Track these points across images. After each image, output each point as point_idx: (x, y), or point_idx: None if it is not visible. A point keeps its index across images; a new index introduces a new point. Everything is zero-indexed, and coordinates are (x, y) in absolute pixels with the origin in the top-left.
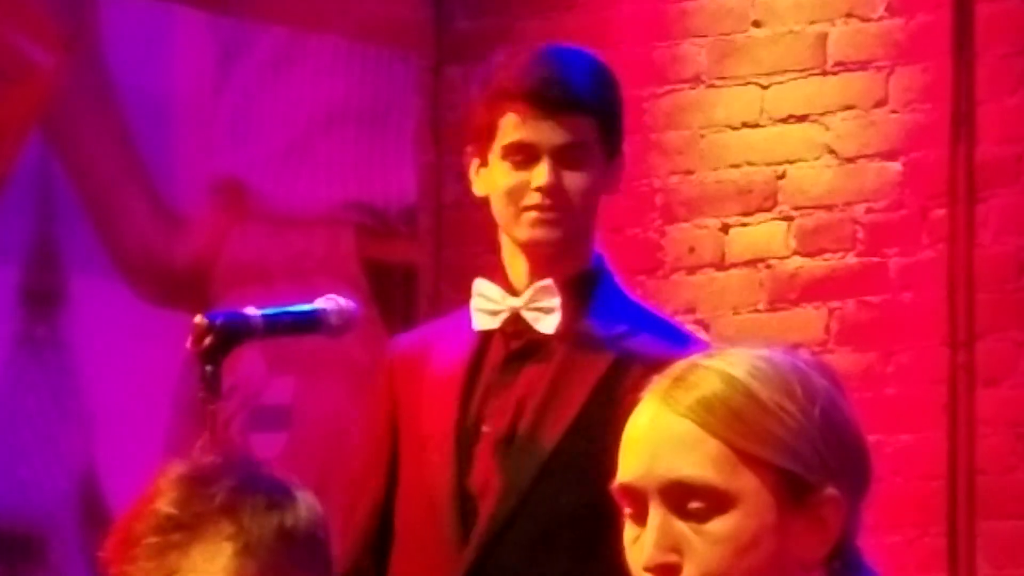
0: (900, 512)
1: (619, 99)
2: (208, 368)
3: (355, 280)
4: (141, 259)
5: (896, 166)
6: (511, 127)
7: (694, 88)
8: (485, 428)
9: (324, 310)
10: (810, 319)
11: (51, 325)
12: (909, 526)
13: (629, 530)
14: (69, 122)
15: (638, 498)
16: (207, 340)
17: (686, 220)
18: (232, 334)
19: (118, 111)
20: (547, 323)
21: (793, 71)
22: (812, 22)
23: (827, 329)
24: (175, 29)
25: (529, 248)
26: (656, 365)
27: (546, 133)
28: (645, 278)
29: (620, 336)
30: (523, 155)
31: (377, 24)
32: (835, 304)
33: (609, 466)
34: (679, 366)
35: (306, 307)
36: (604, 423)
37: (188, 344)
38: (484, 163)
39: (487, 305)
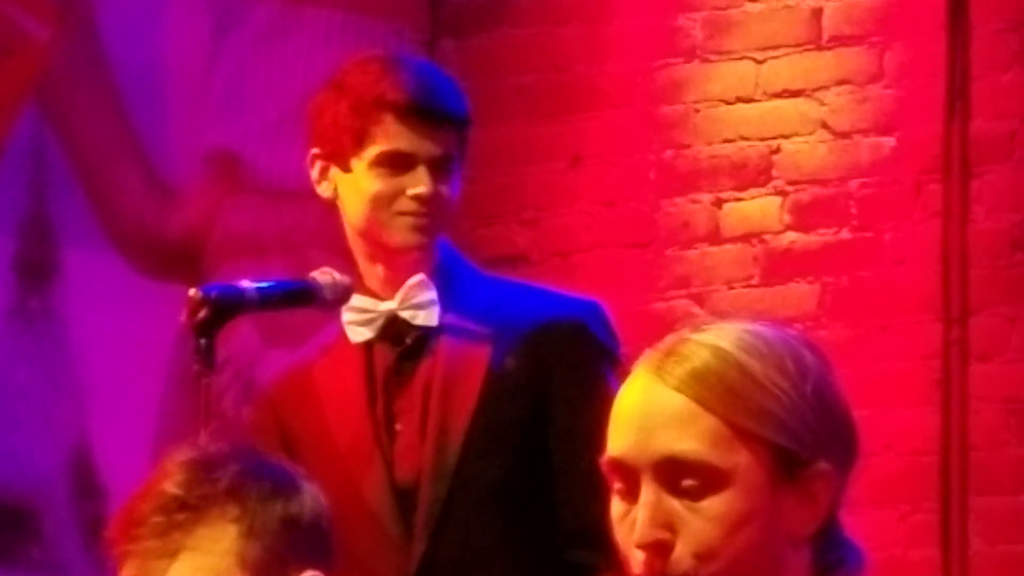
0: (892, 487)
1: (467, 106)
2: (202, 341)
3: (349, 253)
4: (134, 231)
5: (890, 141)
6: (388, 135)
7: (688, 62)
8: (398, 427)
9: (318, 283)
10: (804, 294)
11: (44, 297)
12: (901, 501)
13: (617, 506)
14: (63, 94)
15: (629, 473)
16: (201, 313)
17: (680, 195)
18: (226, 307)
19: (112, 83)
20: (427, 316)
21: (788, 46)
22: None
23: (821, 304)
24: (169, 1)
25: (399, 252)
26: (534, 328)
27: (424, 144)
28: (639, 252)
29: (491, 311)
30: (398, 163)
31: None
32: (829, 279)
33: (519, 439)
34: (669, 339)
35: (300, 280)
36: (504, 395)
37: (182, 317)
38: (344, 168)
39: (359, 317)
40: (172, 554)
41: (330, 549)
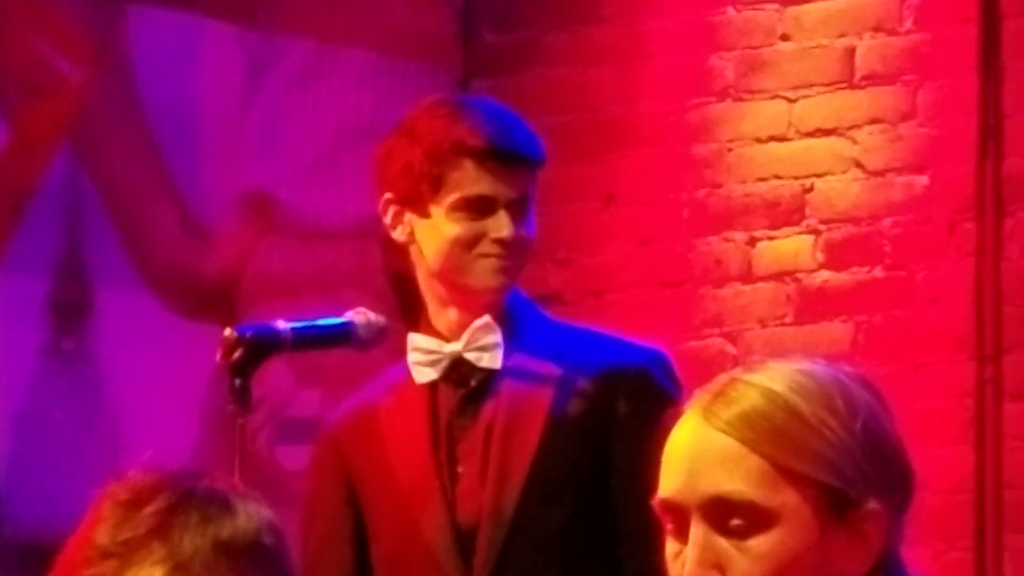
0: (927, 526)
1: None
2: (237, 381)
3: (382, 293)
4: (169, 272)
5: (923, 180)
6: (467, 180)
7: (722, 102)
8: (460, 469)
9: (353, 323)
10: (837, 333)
11: (78, 337)
12: (936, 540)
13: (670, 545)
14: (97, 135)
15: (679, 514)
16: (236, 353)
17: (713, 233)
18: (261, 347)
19: (146, 124)
20: (492, 359)
21: (821, 85)
22: (840, 36)
23: (854, 343)
24: (203, 42)
25: (480, 294)
26: (598, 374)
27: (504, 187)
28: (672, 291)
29: (555, 355)
30: (479, 207)
31: (404, 38)
32: (862, 317)
33: (580, 484)
34: (720, 380)
35: (335, 320)
36: (566, 441)
37: (217, 357)
38: (421, 214)
39: (424, 357)
40: None
41: (282, 561)
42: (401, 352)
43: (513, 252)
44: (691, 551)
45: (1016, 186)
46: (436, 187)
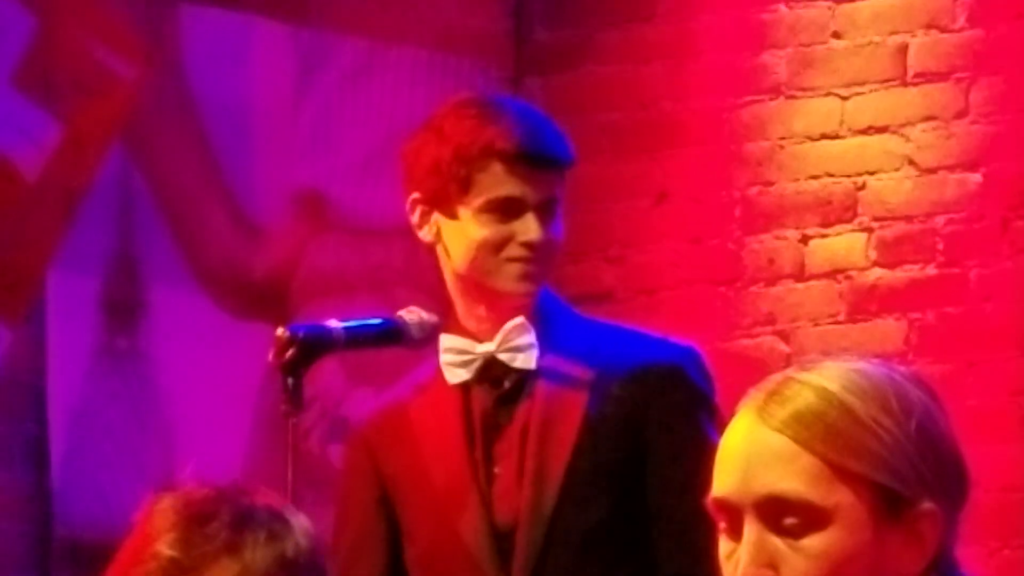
0: (979, 524)
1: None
2: (290, 380)
3: (434, 291)
4: (221, 270)
5: (976, 177)
6: (496, 182)
7: (773, 99)
8: (497, 470)
9: (405, 322)
10: (890, 330)
11: (131, 336)
12: (989, 538)
13: (723, 545)
14: (150, 134)
15: (733, 513)
16: (289, 352)
17: (765, 231)
18: (314, 346)
19: (198, 122)
20: (526, 359)
21: (873, 82)
22: (892, 33)
23: (907, 340)
24: (255, 41)
25: (506, 298)
26: (631, 373)
27: (532, 189)
28: (725, 289)
29: (589, 354)
30: (507, 210)
31: (457, 35)
32: (915, 315)
33: (617, 484)
34: (774, 379)
35: (387, 319)
36: (602, 440)
37: (270, 356)
38: (449, 214)
39: (457, 358)
40: None
41: None
42: None
43: (540, 255)
44: (745, 550)
45: None
46: (464, 188)
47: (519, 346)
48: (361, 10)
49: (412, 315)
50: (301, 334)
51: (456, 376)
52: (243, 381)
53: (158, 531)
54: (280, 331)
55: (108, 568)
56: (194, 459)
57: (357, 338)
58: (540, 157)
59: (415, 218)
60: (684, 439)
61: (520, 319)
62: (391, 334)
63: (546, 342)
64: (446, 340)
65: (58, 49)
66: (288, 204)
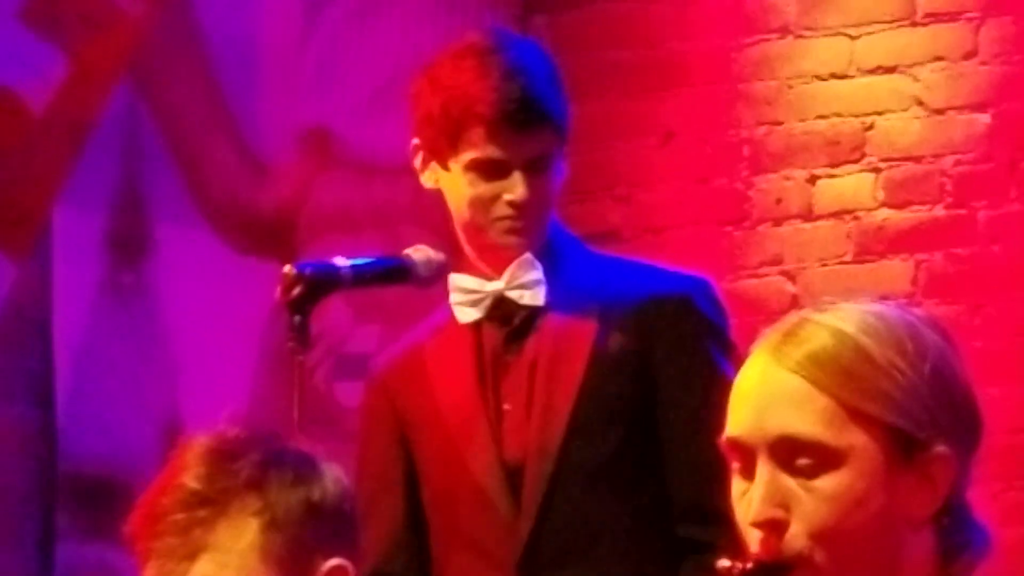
0: (985, 465)
1: (565, 91)
2: (297, 318)
3: (441, 229)
4: (227, 206)
5: (985, 118)
6: (479, 142)
7: (782, 38)
8: (506, 407)
9: (412, 260)
10: (897, 271)
11: (136, 272)
12: (994, 479)
13: (736, 484)
14: (156, 69)
15: (746, 453)
16: (296, 290)
17: (773, 171)
18: (321, 284)
19: (205, 58)
20: (534, 296)
21: (882, 22)
22: None
23: (914, 281)
24: None
25: (503, 250)
26: (640, 304)
27: (517, 149)
28: (732, 229)
29: (597, 288)
30: (491, 170)
31: None
32: (922, 256)
33: (625, 416)
34: (789, 319)
35: (394, 257)
36: (610, 373)
37: (277, 294)
38: (443, 166)
39: (466, 297)
40: (194, 553)
41: (355, 532)
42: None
43: (527, 213)
44: (757, 490)
45: None
46: (453, 143)
47: (526, 283)
48: None
49: (419, 253)
50: (308, 272)
51: (467, 315)
52: (249, 318)
53: (187, 465)
54: (287, 268)
55: (140, 500)
56: (199, 395)
57: (364, 276)
58: (523, 119)
59: (417, 163)
60: (693, 368)
61: (527, 255)
62: (398, 272)
63: (555, 278)
64: (456, 279)
65: None
66: (294, 141)
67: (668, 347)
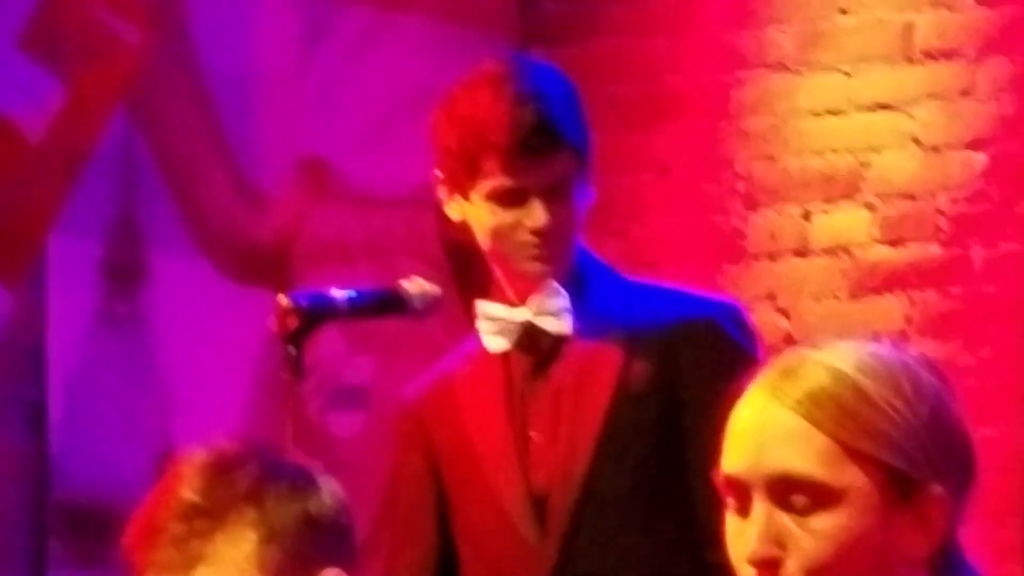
0: (977, 504)
1: (585, 114)
2: (292, 349)
3: (436, 261)
4: (223, 236)
5: (981, 157)
6: (495, 171)
7: (779, 74)
8: (533, 435)
9: (408, 292)
10: (891, 308)
11: (132, 301)
12: (986, 518)
13: (731, 522)
14: (154, 98)
15: (742, 490)
16: (291, 321)
17: (768, 207)
18: (316, 315)
19: (203, 88)
20: (560, 323)
21: (879, 59)
22: (899, 10)
23: (908, 319)
24: (261, 6)
25: (529, 277)
26: (666, 330)
27: (533, 175)
28: (726, 264)
29: (624, 314)
30: (511, 198)
31: (463, 5)
32: (916, 294)
33: (652, 444)
34: (786, 357)
35: (389, 289)
36: (635, 400)
37: (272, 324)
38: (464, 197)
39: (494, 325)
40: (191, 565)
41: (352, 546)
42: (454, 321)
43: (550, 239)
44: (754, 527)
45: None
46: (471, 174)
47: (553, 310)
48: None
49: (414, 285)
50: (303, 302)
51: (495, 344)
52: (243, 347)
53: (184, 478)
54: (282, 299)
55: (135, 513)
56: (193, 424)
57: (359, 307)
58: (537, 145)
59: (442, 195)
60: (719, 394)
61: (552, 283)
62: (393, 304)
63: (581, 304)
64: (484, 307)
65: (64, 12)
66: (291, 171)
67: (695, 372)
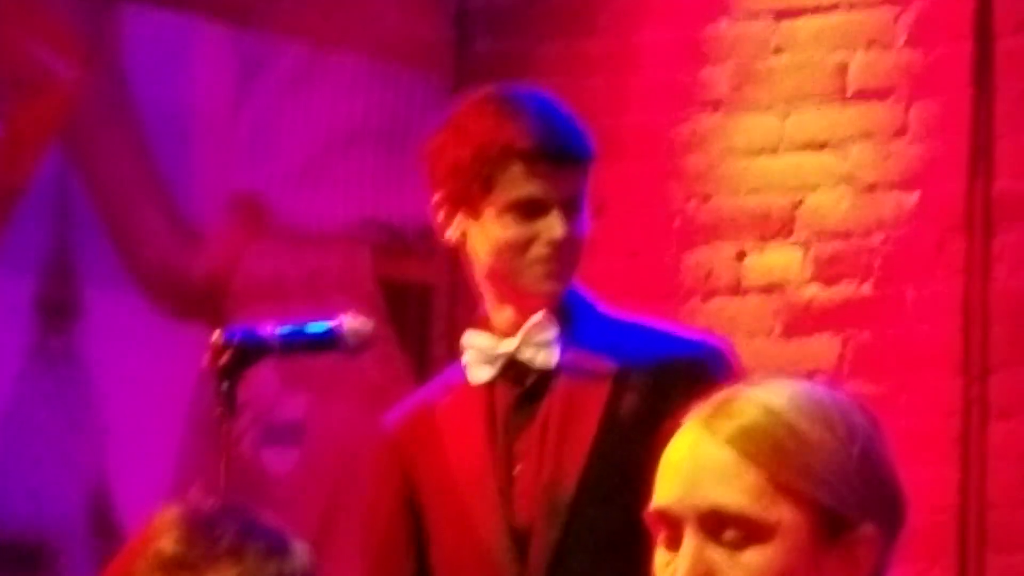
0: (910, 544)
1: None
2: (224, 385)
3: (371, 298)
4: (157, 272)
5: (913, 197)
6: (517, 182)
7: (713, 114)
8: (517, 469)
9: (341, 328)
10: (824, 348)
11: (65, 337)
12: (920, 558)
13: (661, 555)
14: (88, 134)
15: (673, 523)
16: (224, 357)
17: (703, 245)
18: (249, 352)
19: (137, 124)
20: (546, 357)
21: (812, 99)
22: (833, 50)
23: (841, 358)
24: (196, 43)
25: (535, 297)
26: (653, 369)
27: (555, 187)
28: (661, 303)
29: (611, 349)
30: (530, 209)
31: (397, 43)
32: (850, 333)
33: (637, 482)
34: (721, 395)
35: (323, 325)
36: (621, 437)
37: (205, 361)
38: (473, 215)
39: (480, 356)
40: None
41: None
42: (388, 358)
43: (566, 253)
44: (683, 561)
45: (1005, 206)
46: (486, 189)
47: (540, 342)
48: (303, 15)
49: (348, 321)
50: (237, 339)
51: (479, 375)
52: (177, 384)
53: (162, 530)
54: (216, 335)
55: (110, 564)
56: (127, 460)
57: (293, 344)
58: (561, 155)
59: (439, 218)
60: None
61: (541, 315)
62: (327, 341)
63: (569, 338)
64: (470, 338)
65: None
66: (226, 208)
67: (679, 414)
